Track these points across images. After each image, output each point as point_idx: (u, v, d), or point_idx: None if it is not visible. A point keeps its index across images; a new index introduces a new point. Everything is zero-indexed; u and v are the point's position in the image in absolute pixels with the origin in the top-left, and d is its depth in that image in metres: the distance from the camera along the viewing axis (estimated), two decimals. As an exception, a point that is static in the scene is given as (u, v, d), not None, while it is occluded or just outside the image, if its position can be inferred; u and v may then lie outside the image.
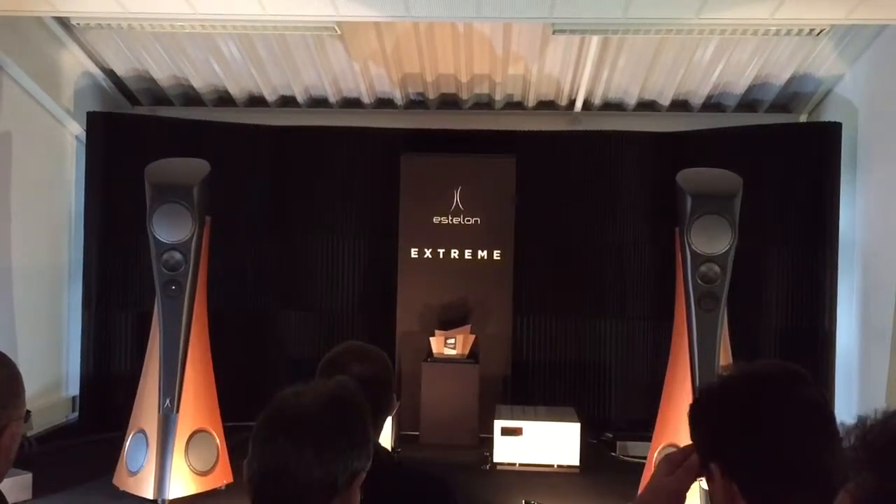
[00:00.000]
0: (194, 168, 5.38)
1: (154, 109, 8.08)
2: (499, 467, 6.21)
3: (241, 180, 7.38)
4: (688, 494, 1.25)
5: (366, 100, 7.91)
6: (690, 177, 5.39)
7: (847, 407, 6.97)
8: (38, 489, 5.21)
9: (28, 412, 1.48)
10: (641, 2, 5.47)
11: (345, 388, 1.40)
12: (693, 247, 5.21)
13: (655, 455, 5.27)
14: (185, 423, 5.19)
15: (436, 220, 7.38)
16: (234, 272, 7.30)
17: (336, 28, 6.43)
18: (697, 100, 7.70)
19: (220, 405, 5.50)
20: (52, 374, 7.25)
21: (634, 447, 6.50)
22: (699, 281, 5.23)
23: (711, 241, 5.19)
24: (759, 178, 6.59)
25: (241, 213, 7.40)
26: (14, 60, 6.47)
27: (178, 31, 6.70)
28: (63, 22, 6.88)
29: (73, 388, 7.39)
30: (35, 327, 6.95)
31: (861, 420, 0.91)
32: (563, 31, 6.42)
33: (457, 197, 7.36)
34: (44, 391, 6.97)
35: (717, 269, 5.21)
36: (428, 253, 7.38)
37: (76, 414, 7.35)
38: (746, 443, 1.15)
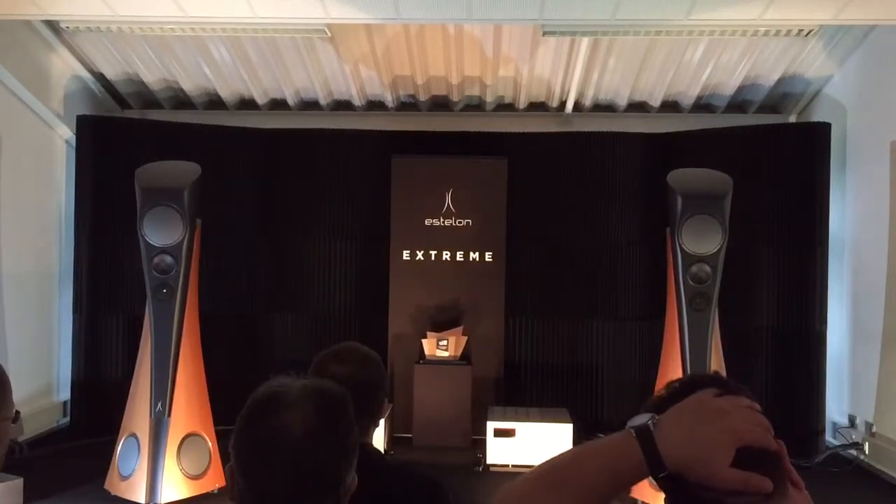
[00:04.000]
0: (185, 171, 5.36)
1: (144, 113, 8.06)
2: (492, 469, 6.21)
3: (232, 183, 7.37)
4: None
5: (356, 102, 7.91)
6: (681, 177, 5.40)
7: (838, 407, 7.00)
8: (30, 494, 5.17)
9: (17, 413, 1.47)
10: (631, 3, 5.48)
11: (333, 392, 1.32)
12: (684, 247, 5.22)
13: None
14: (177, 426, 5.17)
15: (427, 221, 7.37)
16: (225, 275, 7.27)
17: (326, 30, 6.43)
18: (687, 101, 7.73)
19: (212, 408, 5.48)
20: (43, 379, 7.21)
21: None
22: (690, 281, 5.24)
23: (702, 241, 5.20)
24: (750, 178, 6.61)
25: (232, 216, 7.38)
26: (3, 64, 6.44)
27: (167, 34, 6.69)
28: (52, 25, 6.86)
29: (64, 393, 7.36)
30: (25, 331, 6.91)
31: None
32: (553, 33, 6.43)
33: (448, 199, 7.36)
34: (34, 396, 6.93)
35: (707, 269, 5.22)
36: (420, 255, 7.38)
37: (67, 418, 7.31)
38: None
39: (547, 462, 1.10)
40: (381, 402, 2.10)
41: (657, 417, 1.03)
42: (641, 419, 1.04)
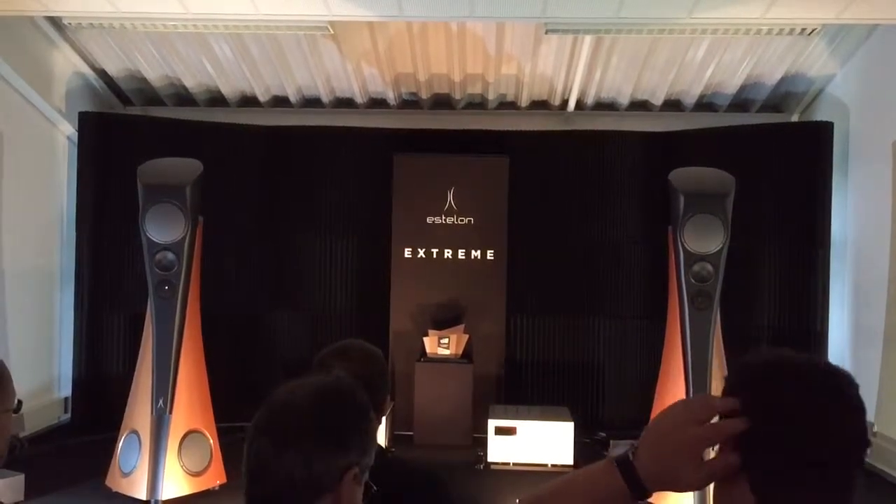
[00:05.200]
0: (187, 168, 5.36)
1: (146, 109, 8.07)
2: (493, 467, 6.21)
3: (234, 180, 7.36)
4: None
5: (359, 100, 7.91)
6: (683, 176, 5.39)
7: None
8: (31, 490, 5.18)
9: (19, 402, 1.47)
10: (634, 1, 5.47)
11: (339, 381, 1.39)
12: (686, 246, 5.21)
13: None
14: (178, 423, 5.17)
15: (429, 220, 7.37)
16: (226, 272, 7.28)
17: (329, 28, 6.43)
18: (690, 99, 7.72)
19: (213, 405, 5.49)
20: (45, 376, 7.22)
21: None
22: (692, 280, 5.23)
23: (704, 240, 5.19)
24: (752, 177, 6.60)
25: (234, 213, 7.38)
26: (5, 60, 6.44)
27: (170, 31, 6.68)
28: (55, 22, 6.86)
29: (66, 389, 7.36)
30: (27, 328, 6.92)
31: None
32: (555, 31, 6.43)
33: (450, 197, 7.36)
34: (36, 392, 6.93)
35: (709, 268, 5.22)
36: (421, 253, 7.38)
37: (68, 415, 7.32)
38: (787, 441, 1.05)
39: (535, 492, 1.15)
40: (383, 399, 2.10)
41: (635, 445, 1.09)
42: (621, 449, 1.11)
